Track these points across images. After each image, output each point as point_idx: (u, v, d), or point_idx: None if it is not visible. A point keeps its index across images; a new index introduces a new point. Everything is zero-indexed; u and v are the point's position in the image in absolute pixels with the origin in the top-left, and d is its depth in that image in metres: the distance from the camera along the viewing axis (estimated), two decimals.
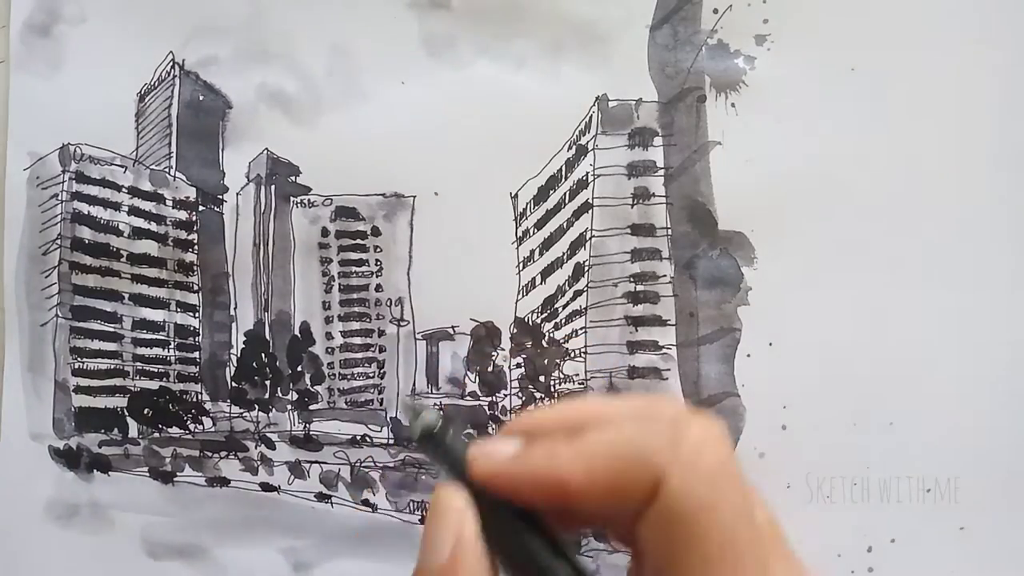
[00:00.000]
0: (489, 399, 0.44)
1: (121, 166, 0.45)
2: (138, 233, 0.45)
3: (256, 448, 0.45)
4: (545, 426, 0.27)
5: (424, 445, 0.29)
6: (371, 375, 0.45)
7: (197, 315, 0.45)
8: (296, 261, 0.45)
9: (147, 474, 0.45)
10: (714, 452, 0.25)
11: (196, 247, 0.45)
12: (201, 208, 0.45)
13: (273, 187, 0.44)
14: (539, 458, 0.26)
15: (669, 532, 0.25)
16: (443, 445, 0.28)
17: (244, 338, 0.45)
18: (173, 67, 0.44)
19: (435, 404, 0.44)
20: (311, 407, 0.45)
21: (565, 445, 0.26)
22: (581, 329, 0.43)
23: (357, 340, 0.45)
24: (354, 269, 0.45)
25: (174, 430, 0.45)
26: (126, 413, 0.46)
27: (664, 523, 0.25)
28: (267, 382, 0.45)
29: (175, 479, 0.45)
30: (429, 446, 0.28)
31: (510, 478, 0.27)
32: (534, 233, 0.43)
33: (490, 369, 0.44)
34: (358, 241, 0.44)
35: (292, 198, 0.44)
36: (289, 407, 0.45)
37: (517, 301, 0.43)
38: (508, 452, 0.27)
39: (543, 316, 0.43)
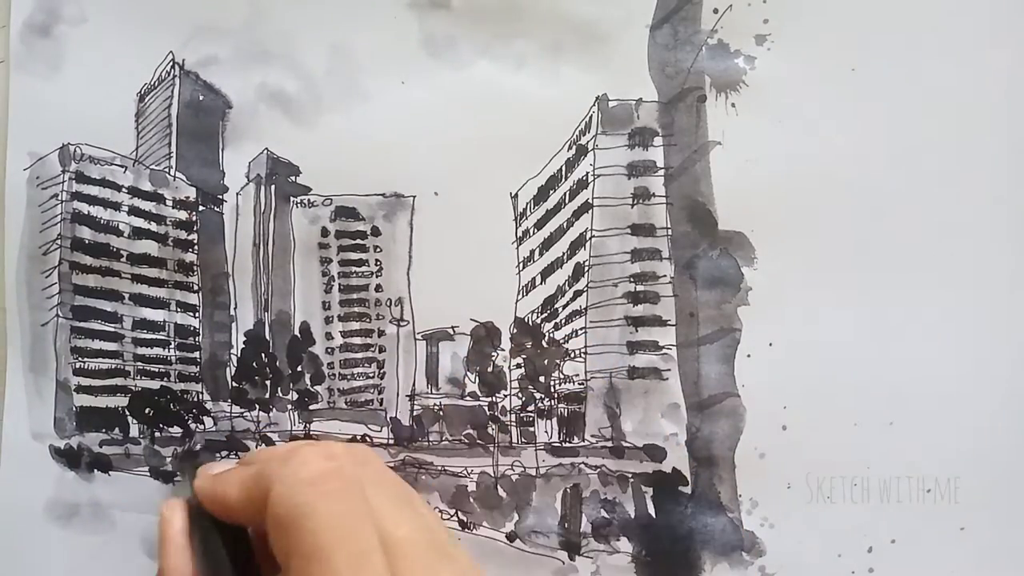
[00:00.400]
0: (489, 399, 0.44)
1: (121, 166, 0.45)
2: (138, 233, 0.45)
3: (257, 447, 0.45)
4: (249, 458, 0.36)
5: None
6: (371, 375, 0.45)
7: (197, 315, 0.45)
8: (296, 261, 0.45)
9: (148, 474, 0.45)
10: (315, 465, 0.31)
11: (196, 247, 0.45)
12: (201, 208, 0.45)
13: (273, 187, 0.44)
14: (221, 480, 0.34)
15: (277, 535, 0.30)
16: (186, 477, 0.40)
17: (244, 338, 0.45)
18: (173, 67, 0.44)
19: (435, 404, 0.44)
20: (311, 407, 0.45)
21: (237, 472, 0.34)
22: (581, 329, 0.43)
23: (357, 340, 0.45)
24: (354, 269, 0.45)
25: (175, 430, 0.45)
26: (127, 413, 0.46)
27: (274, 528, 0.30)
28: (267, 382, 0.45)
29: (176, 479, 0.45)
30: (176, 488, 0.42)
31: (203, 494, 0.35)
32: (534, 233, 0.43)
33: (490, 369, 0.44)
34: (358, 241, 0.44)
35: (292, 198, 0.44)
36: (289, 407, 0.45)
37: (517, 301, 0.43)
38: (216, 471, 0.36)
39: (543, 316, 0.43)
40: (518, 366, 0.44)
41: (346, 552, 0.29)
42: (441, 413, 0.44)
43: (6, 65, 0.45)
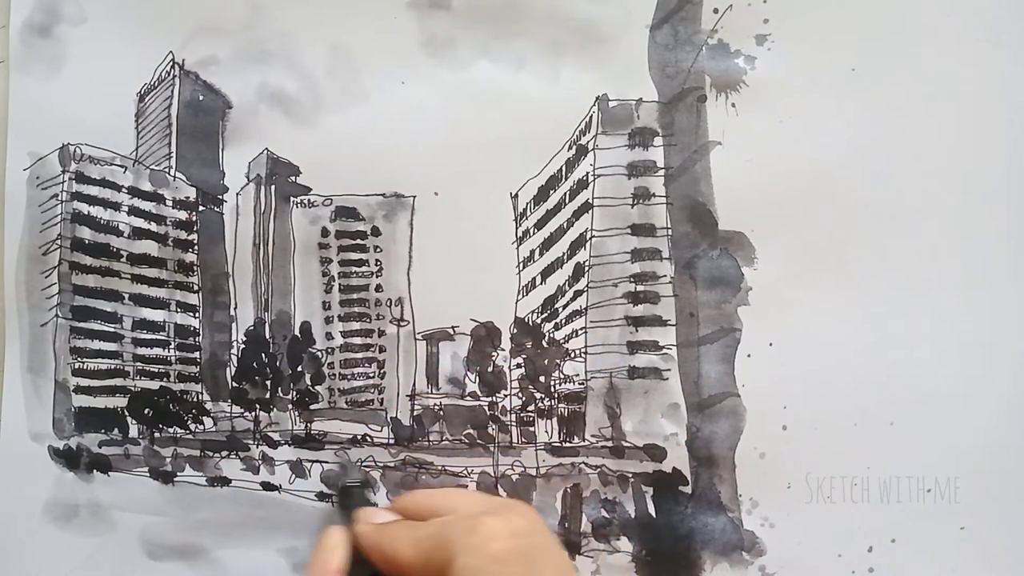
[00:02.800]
0: (489, 399, 0.44)
1: (121, 166, 0.45)
2: (138, 233, 0.45)
3: (257, 448, 0.45)
4: (415, 508, 0.37)
5: (341, 497, 0.42)
6: (371, 375, 0.45)
7: (197, 315, 0.45)
8: (296, 261, 0.45)
9: (147, 474, 0.45)
10: (501, 543, 0.32)
11: (196, 247, 0.45)
12: (201, 208, 0.45)
13: (273, 187, 0.44)
14: (387, 536, 0.35)
15: None
16: (352, 500, 0.40)
17: (244, 338, 0.45)
18: (173, 67, 0.44)
19: (435, 404, 0.44)
20: (311, 407, 0.45)
21: (406, 528, 0.35)
22: (581, 329, 0.43)
23: (357, 340, 0.45)
24: (354, 269, 0.45)
25: (174, 430, 0.45)
26: (126, 413, 0.46)
27: None
28: (267, 382, 0.45)
29: (175, 479, 0.45)
30: (343, 498, 0.42)
31: (368, 542, 0.36)
32: (534, 233, 0.43)
33: (490, 369, 0.44)
34: (358, 241, 0.44)
35: (292, 198, 0.44)
36: (289, 407, 0.45)
37: (517, 301, 0.43)
38: (380, 520, 0.37)
39: (543, 316, 0.43)
40: (518, 366, 0.44)
41: None
42: (441, 413, 0.44)
43: (6, 65, 0.45)
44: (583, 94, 0.42)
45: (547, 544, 0.35)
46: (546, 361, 0.43)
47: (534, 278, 0.43)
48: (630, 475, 0.42)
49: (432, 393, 0.44)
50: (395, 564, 0.34)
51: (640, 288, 0.43)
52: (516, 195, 0.43)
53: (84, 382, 0.46)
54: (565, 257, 0.43)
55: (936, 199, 0.41)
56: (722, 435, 0.42)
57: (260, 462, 0.45)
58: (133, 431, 0.46)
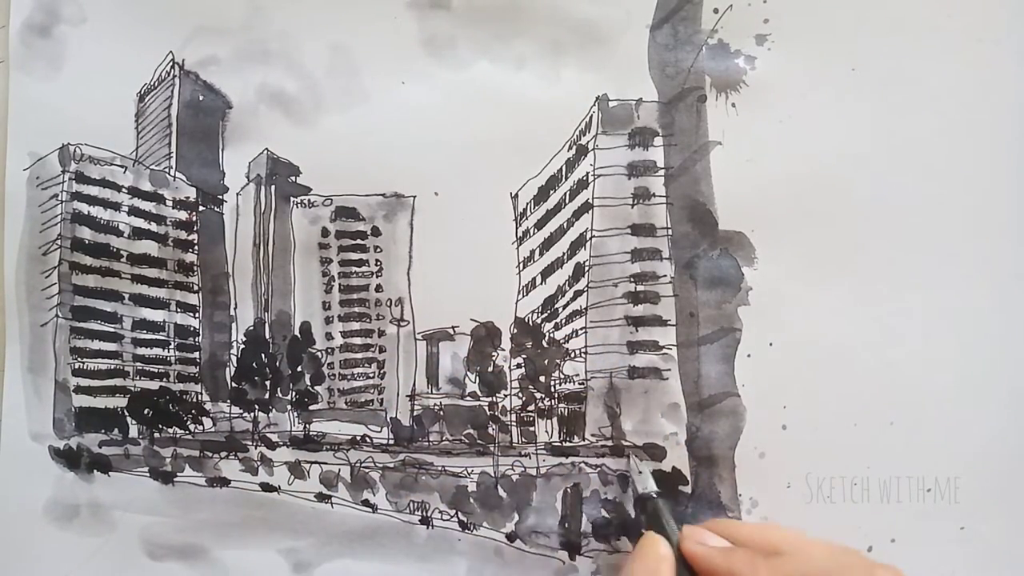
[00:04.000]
0: (489, 399, 0.44)
1: (121, 166, 0.45)
2: (138, 233, 0.45)
3: (256, 448, 0.45)
4: (745, 539, 0.35)
5: (641, 507, 0.40)
6: (371, 375, 0.45)
7: (197, 315, 0.45)
8: (296, 261, 0.45)
9: (147, 474, 0.45)
10: None
11: (196, 247, 0.45)
12: (201, 208, 0.45)
13: (273, 187, 0.44)
14: (743, 560, 0.33)
15: None
16: (659, 511, 0.38)
17: (244, 338, 0.45)
18: (173, 67, 0.44)
19: (435, 404, 0.44)
20: (311, 407, 0.45)
21: (766, 560, 0.33)
22: (581, 329, 0.43)
23: (357, 340, 0.45)
24: (354, 269, 0.45)
25: (174, 430, 0.45)
26: (126, 413, 0.46)
27: None
28: (267, 382, 0.45)
29: (175, 479, 0.45)
30: (646, 508, 0.40)
31: (713, 563, 0.34)
32: (534, 233, 0.43)
33: (490, 369, 0.44)
34: (358, 241, 0.44)
35: (292, 198, 0.44)
36: (289, 407, 0.45)
37: (517, 301, 0.43)
38: (718, 545, 0.35)
39: (543, 316, 0.43)
40: (518, 366, 0.44)
41: None
42: (441, 413, 0.44)
43: (6, 65, 0.45)
44: (583, 94, 0.42)
45: None
46: (546, 361, 0.43)
47: (534, 278, 0.43)
48: (630, 475, 0.42)
49: (432, 393, 0.44)
50: None
51: (640, 288, 0.42)
52: (516, 195, 0.43)
53: (84, 382, 0.46)
54: (565, 257, 0.43)
55: (936, 199, 0.41)
56: (722, 435, 0.42)
57: (259, 463, 0.45)
58: (133, 431, 0.46)
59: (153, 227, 0.45)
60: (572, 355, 0.43)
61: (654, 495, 0.40)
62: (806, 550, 0.34)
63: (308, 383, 0.45)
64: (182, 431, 0.45)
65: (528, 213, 0.43)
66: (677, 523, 0.38)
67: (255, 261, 0.45)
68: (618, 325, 0.43)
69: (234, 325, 0.45)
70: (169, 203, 0.45)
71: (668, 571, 0.35)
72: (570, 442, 0.43)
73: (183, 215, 0.45)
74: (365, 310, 0.45)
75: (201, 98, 0.44)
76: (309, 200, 0.44)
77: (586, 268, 0.43)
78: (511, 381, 0.44)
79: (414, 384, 0.44)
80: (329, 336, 0.45)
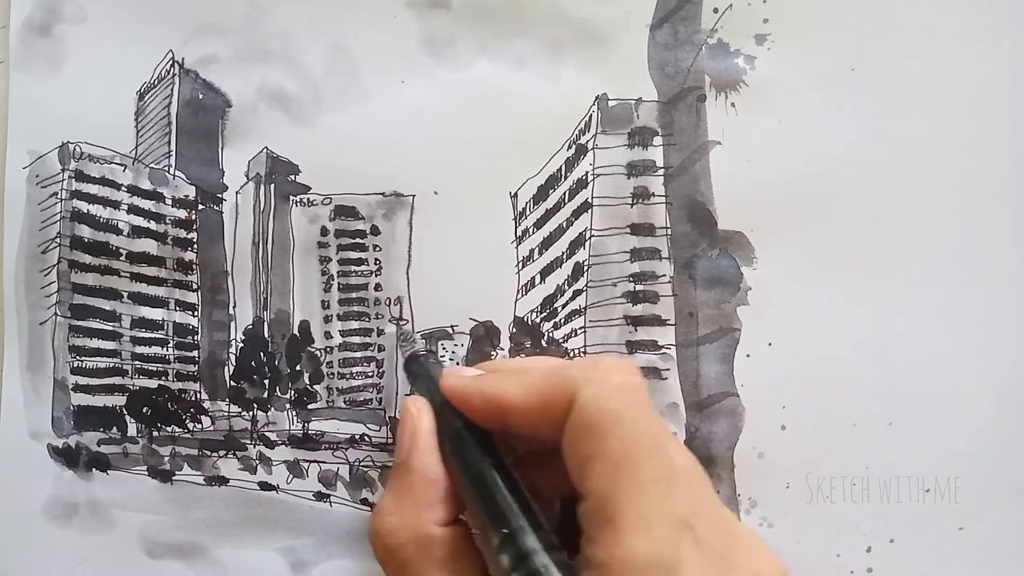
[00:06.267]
0: None
1: (121, 164, 0.45)
2: (137, 232, 0.45)
3: (255, 447, 0.45)
4: (501, 366, 0.36)
5: (408, 366, 0.39)
6: (370, 374, 0.45)
7: (196, 314, 0.45)
8: (295, 260, 0.45)
9: (146, 473, 0.45)
10: (622, 376, 0.31)
11: (195, 246, 0.45)
12: (200, 207, 0.45)
13: (272, 186, 0.44)
14: (491, 381, 0.34)
15: (580, 438, 0.30)
16: (423, 367, 0.38)
17: (243, 337, 0.45)
18: (173, 66, 0.44)
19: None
20: (310, 406, 0.45)
21: (510, 374, 0.34)
22: (580, 328, 0.43)
23: (356, 339, 0.45)
24: (353, 268, 0.45)
25: (173, 429, 0.45)
26: (125, 412, 0.45)
27: (577, 430, 0.30)
28: (266, 381, 0.45)
29: (174, 478, 0.45)
30: (412, 366, 0.39)
31: (466, 392, 0.34)
32: (533, 232, 0.43)
33: None
34: (357, 240, 0.44)
35: (291, 197, 0.44)
36: (288, 406, 0.45)
37: (516, 300, 0.43)
38: (471, 374, 0.36)
39: (542, 315, 0.43)
40: None
41: (653, 465, 0.29)
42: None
43: (6, 64, 0.45)
44: (583, 93, 0.42)
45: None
46: None
47: (533, 277, 0.43)
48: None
49: None
50: (500, 408, 0.33)
51: (639, 288, 0.42)
52: (515, 194, 0.43)
53: (83, 380, 0.46)
54: (564, 256, 0.43)
55: (936, 199, 0.41)
56: (721, 435, 0.42)
57: (257, 462, 0.45)
58: (132, 430, 0.46)
59: (152, 225, 0.45)
60: (571, 354, 0.43)
61: (421, 354, 0.39)
62: (549, 362, 0.36)
63: (307, 382, 0.45)
64: (181, 430, 0.45)
65: (527, 212, 0.43)
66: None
67: (254, 260, 0.45)
68: (617, 324, 0.43)
69: (233, 324, 0.45)
70: (168, 201, 0.45)
71: (428, 421, 0.35)
72: None
73: (182, 213, 0.45)
74: (364, 309, 0.45)
75: (201, 97, 0.44)
76: (308, 199, 0.44)
77: (585, 267, 0.43)
78: None
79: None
80: (328, 335, 0.45)
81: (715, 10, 0.42)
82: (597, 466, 0.29)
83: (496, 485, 0.32)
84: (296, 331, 0.45)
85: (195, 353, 0.45)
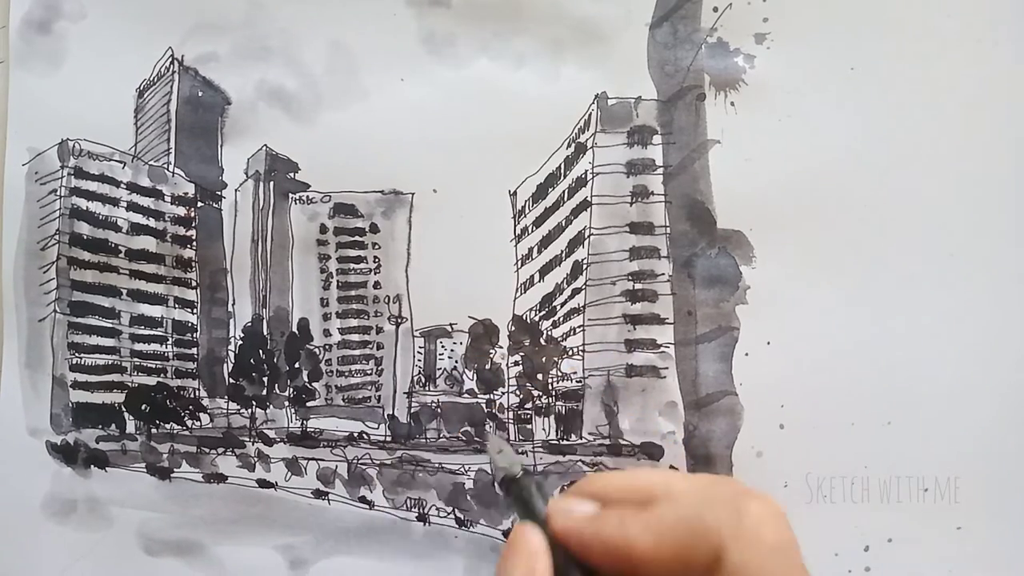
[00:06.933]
0: (487, 396, 0.44)
1: (120, 162, 0.45)
2: (136, 229, 0.45)
3: (253, 445, 0.45)
4: (616, 493, 0.31)
5: (505, 489, 0.34)
6: (369, 372, 0.45)
7: (195, 311, 0.45)
8: (294, 258, 0.45)
9: (144, 470, 0.45)
10: (774, 531, 0.28)
11: (194, 243, 0.45)
12: (200, 204, 0.45)
13: (272, 183, 0.44)
14: (612, 525, 0.29)
15: None
16: (525, 492, 0.33)
17: (242, 334, 0.45)
18: (172, 63, 0.44)
19: (433, 402, 0.44)
20: (308, 404, 0.45)
21: (635, 515, 0.29)
22: (579, 327, 0.43)
23: (355, 337, 0.45)
24: (352, 266, 0.45)
25: (171, 426, 0.45)
26: (124, 409, 0.45)
27: None
28: (265, 378, 0.45)
29: (172, 475, 0.45)
30: (510, 490, 0.34)
31: (584, 537, 0.30)
32: (533, 231, 0.43)
33: (488, 367, 0.44)
34: (356, 238, 0.44)
35: (291, 195, 0.44)
36: (286, 404, 0.45)
37: (515, 299, 0.43)
38: (585, 513, 0.31)
39: (541, 314, 0.43)
40: (516, 363, 0.43)
41: None
42: (439, 410, 0.44)
43: (6, 61, 0.45)
44: (582, 92, 0.42)
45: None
46: (544, 359, 0.43)
47: (532, 276, 0.43)
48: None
49: (429, 390, 0.44)
50: (627, 560, 0.29)
51: (638, 286, 0.42)
52: (515, 192, 0.43)
53: (82, 377, 0.46)
54: (563, 255, 0.43)
55: (935, 199, 0.41)
56: (719, 434, 0.42)
57: (256, 459, 0.45)
58: (130, 427, 0.46)
59: (152, 223, 0.45)
60: (570, 353, 0.43)
61: (518, 475, 0.34)
62: (676, 490, 0.30)
63: (306, 379, 0.45)
64: (179, 427, 0.45)
65: (527, 211, 0.43)
66: (546, 501, 0.32)
67: (253, 257, 0.45)
68: (616, 323, 0.43)
69: (232, 321, 0.45)
70: (168, 199, 0.45)
71: (544, 566, 0.30)
72: (567, 441, 0.43)
73: (182, 211, 0.45)
74: (363, 307, 0.45)
75: (200, 94, 0.44)
76: (308, 196, 0.44)
77: (584, 266, 0.43)
78: (509, 378, 0.43)
79: (412, 381, 0.44)
80: (327, 333, 0.45)
81: (715, 9, 0.42)
82: None
83: None
84: (295, 329, 0.45)
85: (194, 350, 0.45)
